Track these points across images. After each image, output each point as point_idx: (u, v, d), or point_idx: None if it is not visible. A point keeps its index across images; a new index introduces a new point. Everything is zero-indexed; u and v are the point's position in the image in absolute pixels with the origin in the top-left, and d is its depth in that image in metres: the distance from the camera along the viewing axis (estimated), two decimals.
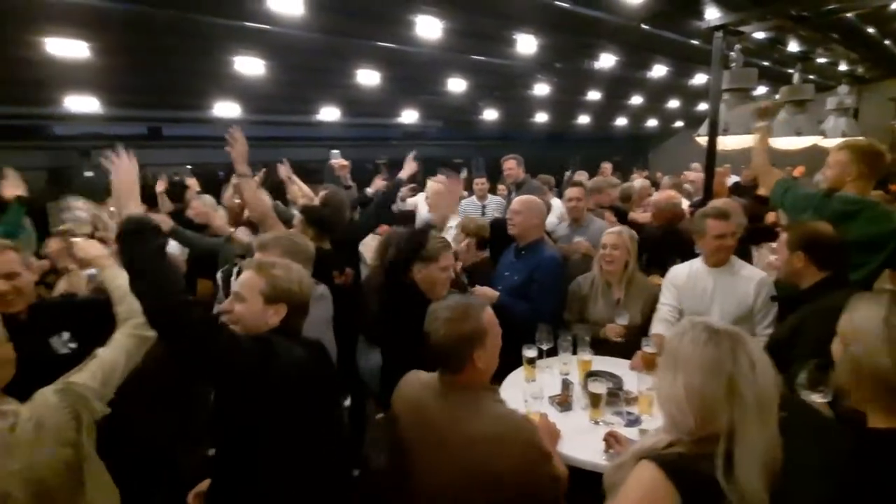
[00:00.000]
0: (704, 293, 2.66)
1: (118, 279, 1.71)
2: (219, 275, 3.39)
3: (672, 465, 1.08)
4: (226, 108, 7.65)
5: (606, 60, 7.21)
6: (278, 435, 1.48)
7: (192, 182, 5.45)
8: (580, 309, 3.05)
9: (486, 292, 2.92)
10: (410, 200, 6.79)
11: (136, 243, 1.34)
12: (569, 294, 3.09)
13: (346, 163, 4.98)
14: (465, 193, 6.47)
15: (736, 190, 5.81)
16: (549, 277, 2.98)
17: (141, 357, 1.62)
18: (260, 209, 2.98)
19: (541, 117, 12.00)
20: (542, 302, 2.89)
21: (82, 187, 7.77)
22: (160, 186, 5.65)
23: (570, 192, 4.14)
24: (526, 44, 6.01)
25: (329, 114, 8.97)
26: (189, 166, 10.00)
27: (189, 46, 5.06)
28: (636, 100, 11.18)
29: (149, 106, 7.74)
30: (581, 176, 7.51)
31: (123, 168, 1.51)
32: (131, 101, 7.30)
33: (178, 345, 1.33)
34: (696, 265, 2.79)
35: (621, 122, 13.55)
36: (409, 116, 10.08)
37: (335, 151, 5.10)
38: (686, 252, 3.16)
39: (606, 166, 9.11)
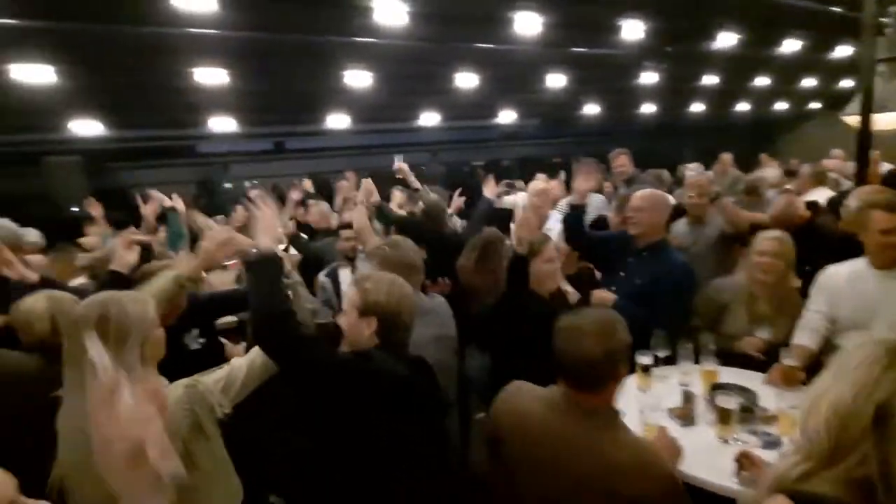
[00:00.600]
0: (867, 300, 2.23)
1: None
2: (321, 275, 3.46)
3: (809, 501, 0.90)
4: (337, 120, 8.25)
5: (726, 40, 6.54)
6: (370, 450, 1.51)
7: (307, 184, 5.80)
8: (715, 317, 2.70)
9: (603, 296, 2.71)
10: (508, 199, 6.62)
11: (259, 271, 1.51)
12: (703, 298, 2.75)
13: (405, 166, 4.93)
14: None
15: (891, 179, 4.84)
16: (679, 287, 2.66)
17: (265, 376, 1.61)
18: (356, 224, 3.03)
19: (648, 108, 11.23)
20: (665, 312, 2.59)
21: (222, 196, 8.86)
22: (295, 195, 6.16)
23: (691, 184, 3.72)
24: (632, 30, 5.67)
25: (429, 119, 9.24)
26: (306, 177, 10.98)
27: (308, 66, 5.54)
28: (761, 81, 9.99)
29: (274, 122, 8.62)
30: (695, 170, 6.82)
31: (269, 212, 1.64)
32: (260, 120, 8.19)
33: (276, 358, 1.47)
34: (858, 266, 2.35)
35: (742, 107, 12.19)
36: (506, 116, 10.03)
37: (398, 156, 5.15)
38: (819, 259, 2.65)
39: (726, 157, 8.20)
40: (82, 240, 4.30)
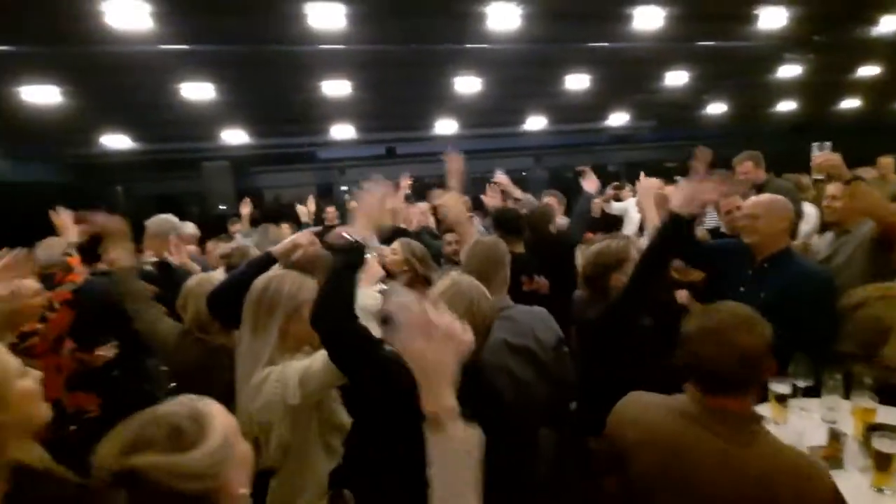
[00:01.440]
0: None
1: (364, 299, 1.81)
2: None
3: None
4: (445, 126, 8.51)
5: (891, 24, 5.58)
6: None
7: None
8: (873, 344, 2.31)
9: None
10: (618, 205, 6.25)
11: (338, 256, 1.51)
12: (857, 319, 2.37)
13: (504, 178, 4.80)
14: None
15: None
16: (815, 300, 2.31)
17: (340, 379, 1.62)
18: (452, 216, 2.99)
19: (785, 106, 9.98)
20: (800, 331, 2.27)
21: (339, 198, 9.61)
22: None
23: (830, 188, 3.16)
24: (772, 18, 5.09)
25: (535, 123, 9.14)
26: (409, 181, 11.49)
27: (421, 74, 5.80)
28: None
29: (387, 129, 9.16)
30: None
31: (372, 202, 1.61)
32: (375, 127, 8.76)
33: (335, 352, 1.43)
34: None
35: None
36: (617, 119, 9.57)
37: (500, 169, 5.06)
38: None
39: (887, 161, 6.93)
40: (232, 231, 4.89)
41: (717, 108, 9.63)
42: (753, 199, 2.64)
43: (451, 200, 2.82)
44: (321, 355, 1.56)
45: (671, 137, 12.40)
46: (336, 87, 5.74)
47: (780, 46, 6.32)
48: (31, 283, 2.11)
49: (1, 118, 7.12)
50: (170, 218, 3.32)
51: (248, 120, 7.41)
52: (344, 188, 10.47)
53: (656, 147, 12.82)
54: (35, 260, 2.92)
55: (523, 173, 12.06)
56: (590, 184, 4.01)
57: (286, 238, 3.07)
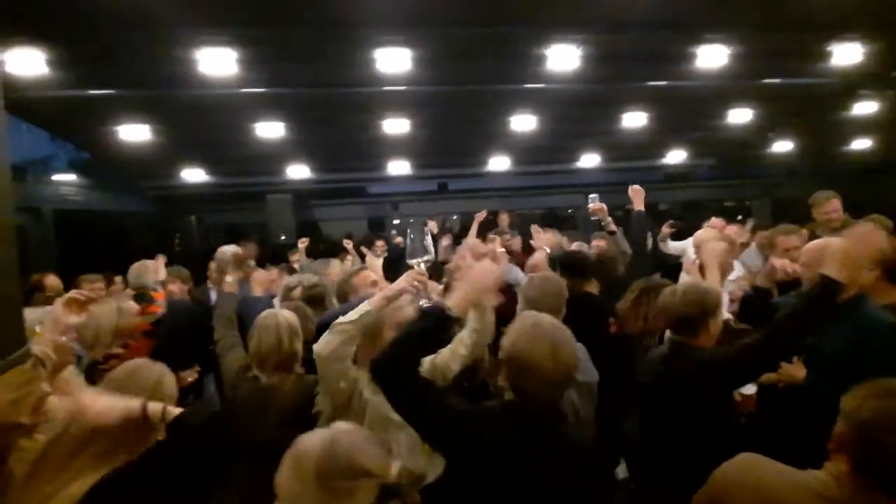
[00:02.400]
0: None
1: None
2: None
3: None
4: (498, 163, 8.62)
5: None
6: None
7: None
8: None
9: (792, 373, 2.19)
10: (675, 245, 5.87)
11: (426, 321, 1.42)
12: None
13: (602, 206, 4.67)
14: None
15: None
16: (883, 350, 2.04)
17: None
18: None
19: (859, 144, 9.44)
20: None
21: (392, 229, 9.85)
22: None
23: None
24: (847, 54, 4.90)
25: (588, 160, 9.10)
26: (455, 216, 11.63)
27: (477, 113, 5.96)
28: None
29: (440, 165, 9.40)
30: None
31: (478, 274, 1.51)
32: (429, 163, 9.01)
33: (390, 395, 1.40)
34: None
35: None
36: (674, 157, 9.37)
37: (593, 196, 4.93)
38: None
39: None
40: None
41: (782, 147, 9.24)
42: (809, 244, 2.43)
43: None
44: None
45: (731, 176, 11.96)
46: (396, 126, 5.99)
47: (855, 83, 6.06)
48: (132, 304, 2.27)
49: (97, 153, 7.91)
50: (224, 251, 3.40)
51: (311, 156, 7.83)
52: (396, 221, 10.73)
53: (714, 186, 12.39)
54: (129, 282, 3.15)
55: (569, 210, 11.93)
56: (638, 200, 3.80)
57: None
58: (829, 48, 4.79)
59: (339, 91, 5.15)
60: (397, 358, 1.36)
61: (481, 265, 1.54)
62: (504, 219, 8.60)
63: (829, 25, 4.56)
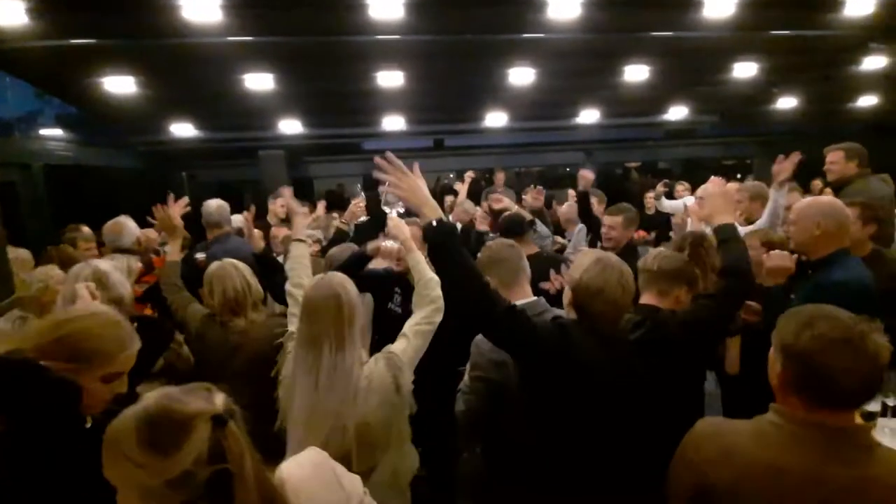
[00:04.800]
0: None
1: (419, 265, 1.82)
2: None
3: None
4: (495, 119, 8.41)
5: None
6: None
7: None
8: None
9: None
10: (670, 203, 5.80)
11: (437, 249, 1.49)
12: None
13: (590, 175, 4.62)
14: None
15: None
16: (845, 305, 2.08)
17: (427, 344, 1.71)
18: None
19: (864, 102, 9.22)
20: None
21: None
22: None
23: None
24: (859, 4, 4.69)
25: (588, 116, 8.89)
26: (451, 174, 11.44)
27: (475, 65, 5.74)
28: None
29: (436, 121, 9.16)
30: None
31: (404, 184, 1.52)
32: (424, 119, 8.78)
33: (489, 335, 1.56)
34: None
35: None
36: (676, 113, 9.14)
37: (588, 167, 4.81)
38: None
39: None
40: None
41: (787, 103, 9.02)
42: (797, 203, 2.43)
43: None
44: (404, 342, 1.67)
45: (734, 133, 11.74)
46: (390, 79, 5.78)
47: (866, 36, 5.83)
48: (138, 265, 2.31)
49: (84, 108, 7.67)
50: (207, 205, 3.27)
51: (303, 110, 7.61)
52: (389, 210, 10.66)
53: (716, 143, 12.18)
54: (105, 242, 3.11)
55: (567, 169, 11.78)
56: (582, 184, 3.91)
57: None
58: None
59: (329, 40, 4.92)
60: (460, 289, 1.49)
61: (411, 179, 1.56)
62: (500, 177, 8.48)
63: None
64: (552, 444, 1.58)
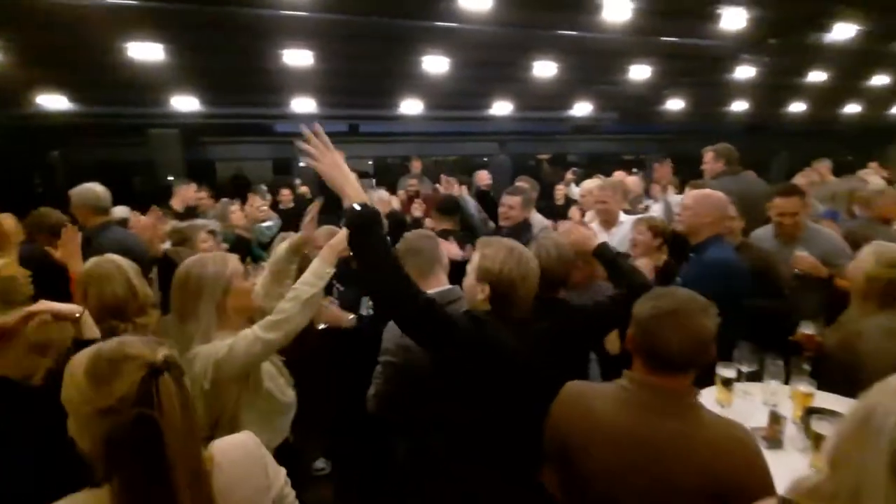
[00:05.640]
0: None
1: (313, 276, 1.75)
2: None
3: None
4: (410, 106, 8.33)
5: (842, 31, 5.88)
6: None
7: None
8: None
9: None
10: (578, 191, 6.26)
11: (358, 234, 1.40)
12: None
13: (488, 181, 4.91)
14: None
15: None
16: (701, 283, 2.44)
17: (261, 356, 1.61)
18: None
19: (738, 106, 10.41)
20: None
21: (299, 174, 9.26)
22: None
23: (780, 204, 3.24)
24: (733, 18, 5.24)
25: (501, 108, 9.12)
26: (370, 161, 11.23)
27: (388, 50, 5.61)
28: (879, 80, 8.93)
29: (350, 105, 8.88)
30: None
31: (327, 159, 1.47)
32: (338, 102, 8.45)
33: (405, 328, 1.51)
34: None
35: (852, 109, 10.98)
36: (581, 109, 9.68)
37: (486, 172, 5.05)
38: None
39: (823, 165, 7.34)
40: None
41: (676, 105, 9.92)
42: (691, 192, 2.81)
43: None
44: (246, 333, 1.58)
45: (632, 131, 12.71)
46: (298, 58, 5.48)
47: (738, 47, 6.54)
48: None
49: None
50: (94, 188, 2.94)
51: (200, 86, 6.98)
52: (302, 164, 10.13)
53: (617, 139, 13.12)
54: None
55: (485, 158, 12.08)
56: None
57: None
58: (718, 11, 5.06)
59: (226, 10, 4.51)
60: (380, 274, 1.42)
61: (334, 155, 1.51)
62: (416, 165, 8.45)
63: None
64: (469, 426, 1.60)
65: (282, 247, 2.06)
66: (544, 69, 6.67)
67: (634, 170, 9.51)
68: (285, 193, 5.38)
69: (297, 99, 7.89)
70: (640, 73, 7.13)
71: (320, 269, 1.76)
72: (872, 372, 1.12)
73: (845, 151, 10.70)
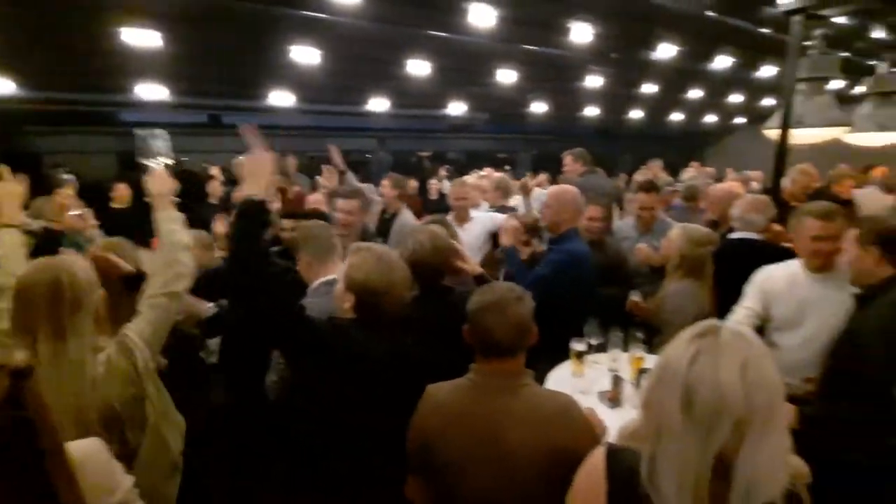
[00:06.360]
0: (801, 301, 2.39)
1: (170, 224, 1.74)
2: None
3: (616, 454, 1.10)
4: (281, 98, 7.89)
5: (666, 51, 6.92)
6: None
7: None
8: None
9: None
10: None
11: (242, 219, 1.52)
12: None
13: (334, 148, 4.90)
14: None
15: (816, 196, 5.31)
16: (563, 273, 2.75)
17: (175, 312, 1.65)
18: None
19: (591, 111, 11.68)
20: (560, 298, 2.65)
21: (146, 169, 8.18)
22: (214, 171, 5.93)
23: (642, 199, 3.80)
24: (581, 32, 5.85)
25: (378, 104, 9.08)
26: (241, 157, 10.40)
27: (251, 36, 5.23)
28: (694, 94, 10.67)
29: (211, 95, 8.10)
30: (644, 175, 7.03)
31: (261, 156, 1.61)
32: (195, 90, 7.66)
33: (246, 301, 1.54)
34: (794, 269, 2.50)
35: (676, 117, 12.99)
36: (456, 108, 10.06)
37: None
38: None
39: (655, 164, 8.69)
40: None
41: (540, 108, 10.79)
42: (550, 189, 3.14)
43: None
44: (139, 319, 1.56)
45: (504, 130, 13.54)
46: (140, 37, 4.84)
47: (587, 59, 7.33)
48: None
49: None
50: None
51: (16, 66, 5.82)
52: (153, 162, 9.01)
53: (491, 138, 13.89)
54: None
55: (367, 155, 11.97)
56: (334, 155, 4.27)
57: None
58: (568, 25, 5.59)
59: None
60: (246, 258, 1.47)
61: (257, 155, 1.62)
62: (291, 162, 8.04)
63: (573, 3, 5.30)
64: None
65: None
66: (418, 68, 6.78)
67: (507, 167, 10.15)
68: (121, 189, 4.65)
69: (144, 85, 6.99)
70: (506, 76, 7.62)
71: (167, 214, 1.77)
72: (674, 328, 1.37)
73: (673, 153, 12.64)
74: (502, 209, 4.27)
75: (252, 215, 1.52)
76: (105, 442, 1.13)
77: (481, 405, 1.48)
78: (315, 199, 4.48)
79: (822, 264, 2.33)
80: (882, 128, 4.09)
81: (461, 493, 1.46)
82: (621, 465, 1.07)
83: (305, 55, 5.80)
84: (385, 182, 4.38)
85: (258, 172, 1.59)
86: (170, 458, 1.61)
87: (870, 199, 4.54)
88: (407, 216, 4.26)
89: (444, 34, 5.66)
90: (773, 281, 2.47)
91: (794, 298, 2.37)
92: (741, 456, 0.94)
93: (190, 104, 8.20)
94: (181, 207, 1.89)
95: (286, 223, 3.24)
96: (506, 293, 1.51)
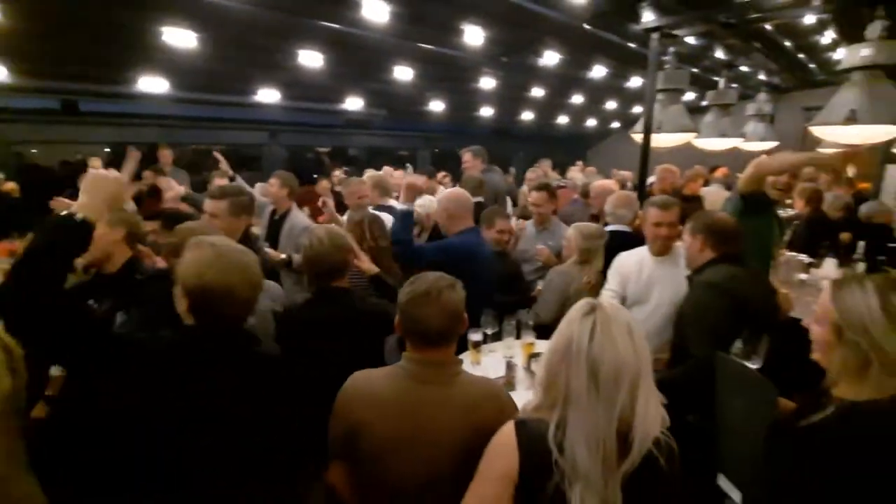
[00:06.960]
0: (647, 281, 2.80)
1: None
2: None
3: (525, 426, 1.20)
4: (152, 84, 7.07)
5: (550, 58, 7.41)
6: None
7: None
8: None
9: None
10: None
11: (50, 230, 1.30)
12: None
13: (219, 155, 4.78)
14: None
15: (674, 192, 6.11)
16: (455, 264, 2.96)
17: None
18: None
19: (486, 111, 12.13)
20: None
21: None
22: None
23: (535, 197, 4.05)
24: (474, 35, 6.03)
25: (268, 95, 8.55)
26: (108, 148, 9.18)
27: (113, 12, 4.62)
28: (577, 99, 11.58)
29: (64, 77, 7.00)
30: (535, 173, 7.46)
31: (103, 176, 1.43)
32: (44, 72, 6.57)
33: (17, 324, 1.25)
34: (642, 254, 2.92)
35: (563, 120, 14.00)
36: (353, 104, 9.83)
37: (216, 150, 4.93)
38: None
39: (545, 163, 9.34)
40: None
41: (437, 106, 10.95)
42: (443, 192, 3.36)
43: None
44: None
45: (403, 128, 13.53)
46: None
47: (480, 61, 7.59)
48: None
49: None
50: None
51: None
52: None
53: (390, 135, 13.79)
54: None
55: (262, 146, 11.23)
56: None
57: None
58: (461, 27, 5.74)
59: None
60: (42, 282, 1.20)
61: (97, 174, 1.44)
62: (165, 154, 7.28)
63: (464, 5, 5.44)
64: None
65: None
66: (311, 59, 6.51)
67: (407, 165, 10.15)
68: None
69: None
70: (403, 74, 7.61)
71: None
72: (553, 303, 1.56)
73: (561, 153, 13.62)
74: (380, 208, 4.24)
75: (64, 233, 1.28)
76: None
77: (409, 394, 1.49)
78: (172, 197, 4.20)
79: (662, 248, 2.81)
80: (722, 134, 4.80)
81: (389, 477, 1.47)
82: (531, 433, 1.17)
83: (179, 38, 5.26)
84: (272, 181, 4.11)
85: (96, 191, 1.38)
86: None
87: (713, 195, 5.32)
88: (297, 216, 4.07)
89: (336, 26, 5.49)
90: (626, 265, 2.92)
91: (642, 278, 2.82)
92: (637, 411, 1.10)
93: (37, 87, 7.00)
94: (25, 206, 1.64)
95: (149, 226, 2.93)
96: (437, 281, 1.54)
